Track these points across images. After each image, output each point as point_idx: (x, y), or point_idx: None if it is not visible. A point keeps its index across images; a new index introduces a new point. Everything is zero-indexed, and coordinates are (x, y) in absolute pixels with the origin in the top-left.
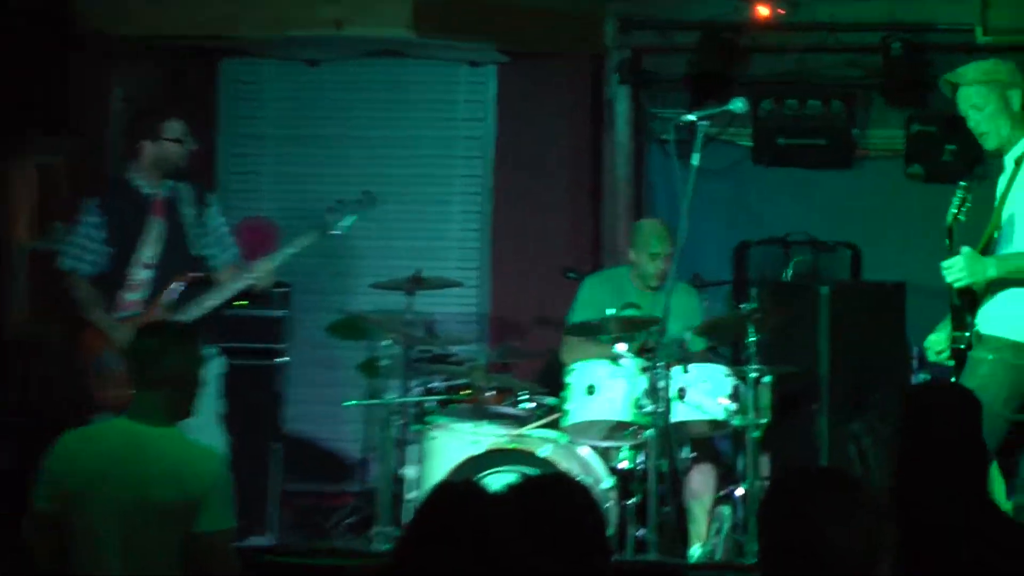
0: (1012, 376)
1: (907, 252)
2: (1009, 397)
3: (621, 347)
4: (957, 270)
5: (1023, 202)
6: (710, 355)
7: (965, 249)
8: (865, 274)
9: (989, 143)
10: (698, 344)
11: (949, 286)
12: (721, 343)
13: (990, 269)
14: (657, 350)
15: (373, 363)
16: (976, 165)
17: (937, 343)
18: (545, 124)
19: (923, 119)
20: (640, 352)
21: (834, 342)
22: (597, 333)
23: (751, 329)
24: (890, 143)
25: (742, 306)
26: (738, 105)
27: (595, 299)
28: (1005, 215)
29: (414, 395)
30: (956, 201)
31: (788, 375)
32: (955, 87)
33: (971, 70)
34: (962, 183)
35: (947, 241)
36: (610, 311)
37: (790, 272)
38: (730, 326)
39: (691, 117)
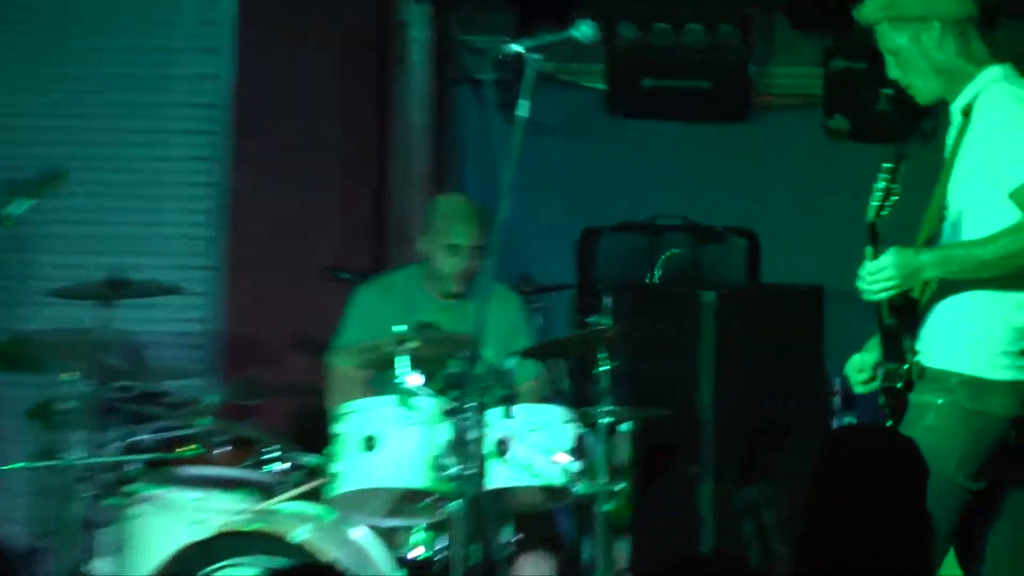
0: (968, 426)
1: (827, 242)
2: (965, 457)
3: (413, 381)
4: (883, 277)
5: (974, 169)
6: (544, 391)
7: (892, 248)
8: (766, 274)
9: (919, 98)
10: (526, 375)
11: (876, 304)
12: (560, 374)
13: (926, 268)
14: (466, 385)
15: (48, 407)
16: (923, 117)
17: (863, 367)
18: (308, 58)
19: (848, 52)
20: (442, 389)
21: (722, 371)
22: (378, 362)
23: (603, 354)
24: (802, 85)
25: (590, 320)
26: (584, 31)
27: (374, 313)
28: (953, 188)
29: (110, 454)
30: (879, 190)
31: (657, 420)
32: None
33: (869, 3)
34: (886, 164)
35: (868, 247)
36: (397, 329)
37: (659, 271)
38: (573, 349)
39: (517, 48)
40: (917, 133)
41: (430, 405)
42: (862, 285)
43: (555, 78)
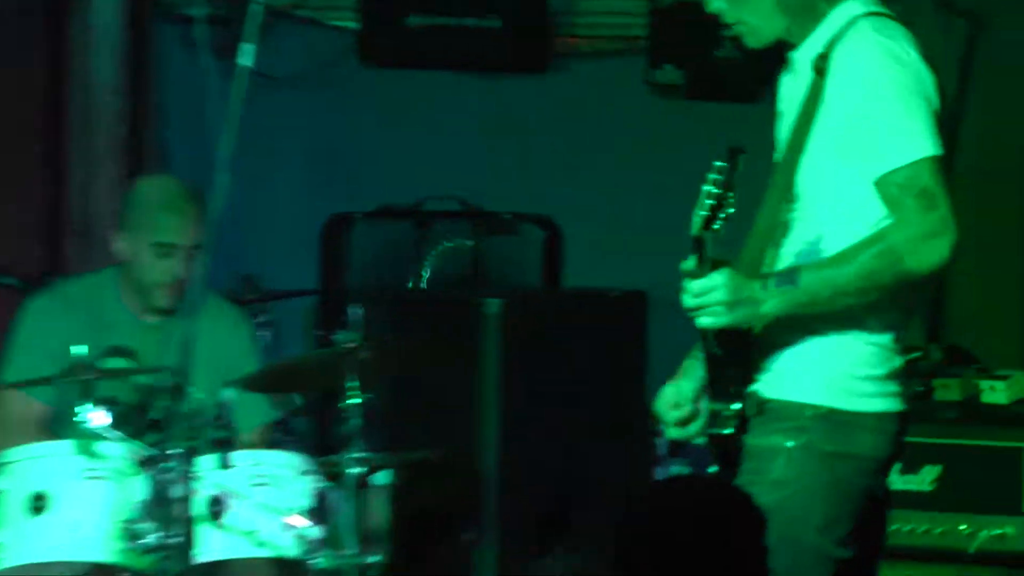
0: (831, 474)
1: (654, 234)
2: (832, 516)
3: (98, 421)
4: (709, 301)
5: (832, 146)
6: (273, 434)
7: (726, 268)
8: (571, 275)
9: (751, 39)
10: (250, 413)
11: (702, 330)
12: (295, 410)
13: (768, 300)
14: (169, 427)
15: None
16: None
17: (680, 401)
18: None
19: None
20: (137, 431)
21: (510, 404)
22: (56, 397)
23: (353, 382)
24: (621, 25)
25: (336, 337)
26: None
27: (52, 333)
28: (803, 171)
29: None
30: (709, 196)
31: (425, 469)
32: None
33: None
34: (717, 163)
35: (693, 259)
36: (78, 352)
37: (428, 272)
38: (313, 376)
39: None
40: (769, 90)
41: (120, 453)
42: (687, 302)
43: (290, 14)
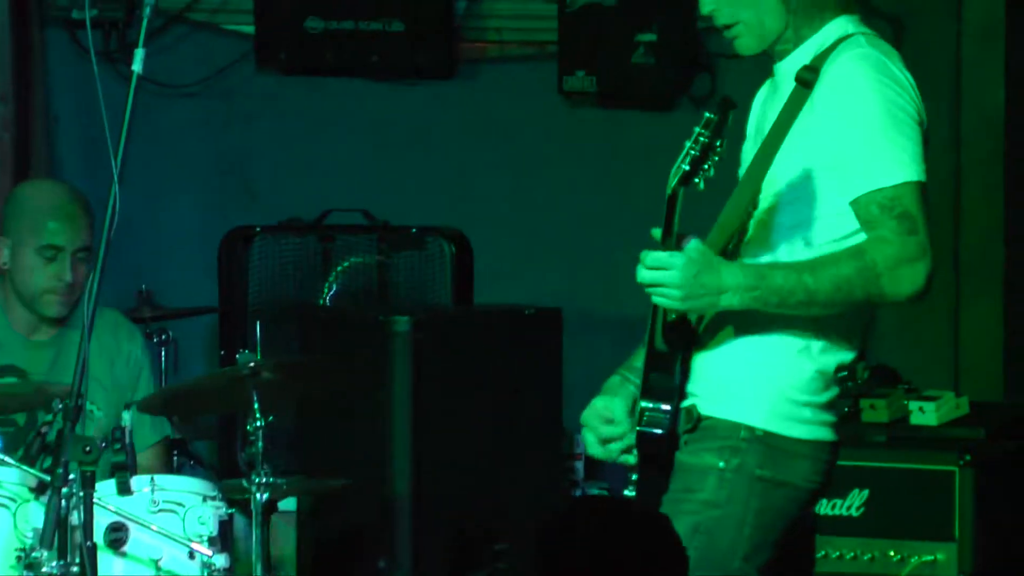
0: (763, 501)
1: (569, 247)
2: (758, 543)
3: None
4: (661, 280)
5: (810, 159)
6: (174, 456)
7: (692, 243)
8: (482, 291)
9: (744, 44)
10: (150, 436)
11: (652, 308)
12: (198, 433)
13: (730, 291)
14: (64, 450)
15: None
16: (696, 77)
17: (613, 418)
18: None
19: None
20: (28, 455)
21: (422, 426)
22: None
23: (256, 404)
24: (530, 29)
25: (239, 357)
26: None
27: None
28: (773, 177)
29: None
30: (693, 148)
31: (334, 495)
32: None
33: None
34: (708, 114)
35: (659, 229)
36: None
37: (333, 288)
38: (215, 397)
39: None
40: (687, 98)
41: (13, 479)
42: (641, 275)
43: (184, 19)
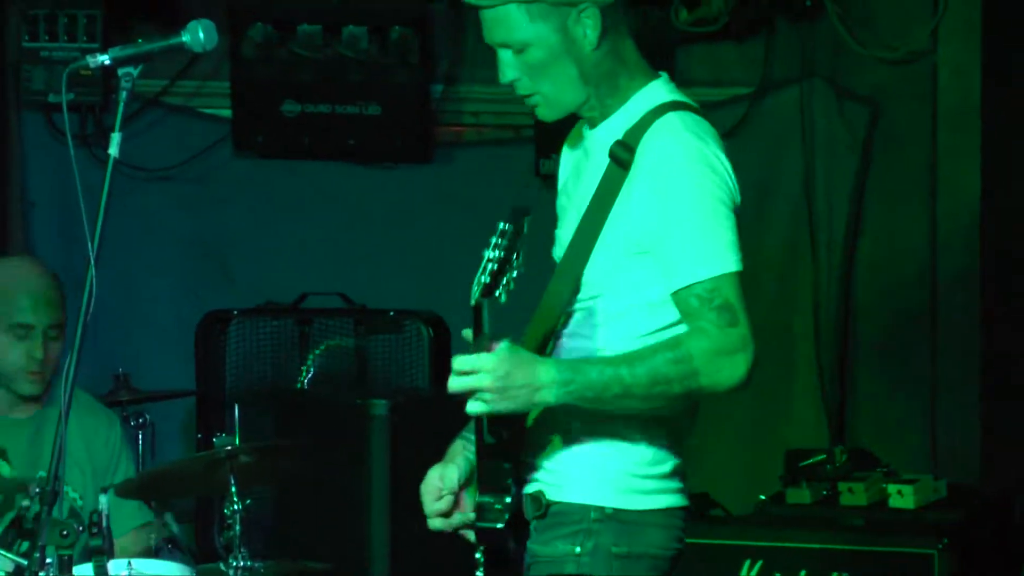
0: None
1: None
2: None
3: None
4: (474, 384)
5: (630, 245)
6: (153, 540)
7: (503, 344)
8: None
9: (546, 112)
10: (127, 519)
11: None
12: (179, 517)
13: (547, 387)
14: (39, 532)
15: None
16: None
17: (446, 488)
18: None
19: None
20: (5, 540)
21: (401, 510)
22: None
23: (234, 487)
24: (508, 112)
25: (216, 440)
26: (199, 36)
27: None
28: (593, 265)
29: None
30: (491, 260)
31: None
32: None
33: None
34: (502, 224)
35: (469, 334)
36: None
37: (311, 372)
38: (192, 481)
39: (104, 59)
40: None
41: None
42: (452, 384)
43: (161, 102)
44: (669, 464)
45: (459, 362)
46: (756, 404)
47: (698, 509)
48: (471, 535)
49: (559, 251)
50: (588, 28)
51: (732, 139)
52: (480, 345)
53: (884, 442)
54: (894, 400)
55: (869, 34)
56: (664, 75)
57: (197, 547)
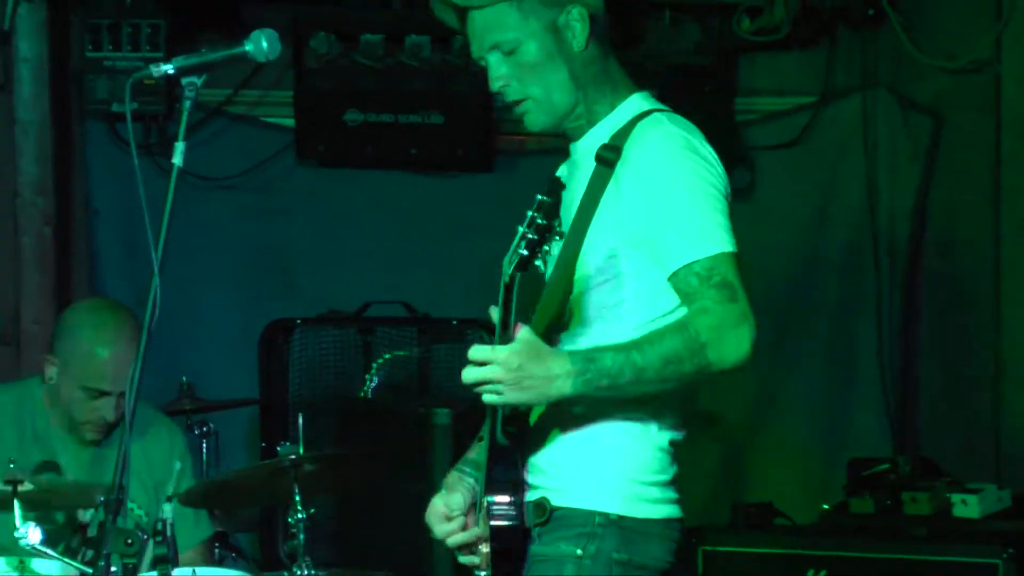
0: None
1: None
2: None
3: (31, 537)
4: (495, 379)
5: (618, 234)
6: (216, 549)
7: (520, 333)
8: None
9: (533, 120)
10: (191, 528)
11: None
12: (239, 526)
13: (559, 379)
14: (104, 540)
15: None
16: (740, 164)
17: (448, 514)
18: None
19: (636, 72)
20: (69, 548)
21: None
22: None
23: (298, 496)
24: None
25: (280, 449)
26: (263, 46)
27: None
28: (585, 257)
29: None
30: (529, 233)
31: None
32: (460, 11)
33: None
34: (540, 197)
35: (496, 313)
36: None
37: (374, 380)
38: (255, 490)
39: (167, 68)
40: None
41: (54, 571)
42: (465, 375)
43: (225, 111)
44: (670, 472)
45: (475, 352)
46: (819, 413)
47: (762, 518)
48: (475, 559)
49: (549, 262)
50: (576, 27)
51: (794, 148)
52: (506, 327)
53: (948, 451)
54: (958, 409)
55: (932, 43)
56: (647, 91)
57: (261, 556)
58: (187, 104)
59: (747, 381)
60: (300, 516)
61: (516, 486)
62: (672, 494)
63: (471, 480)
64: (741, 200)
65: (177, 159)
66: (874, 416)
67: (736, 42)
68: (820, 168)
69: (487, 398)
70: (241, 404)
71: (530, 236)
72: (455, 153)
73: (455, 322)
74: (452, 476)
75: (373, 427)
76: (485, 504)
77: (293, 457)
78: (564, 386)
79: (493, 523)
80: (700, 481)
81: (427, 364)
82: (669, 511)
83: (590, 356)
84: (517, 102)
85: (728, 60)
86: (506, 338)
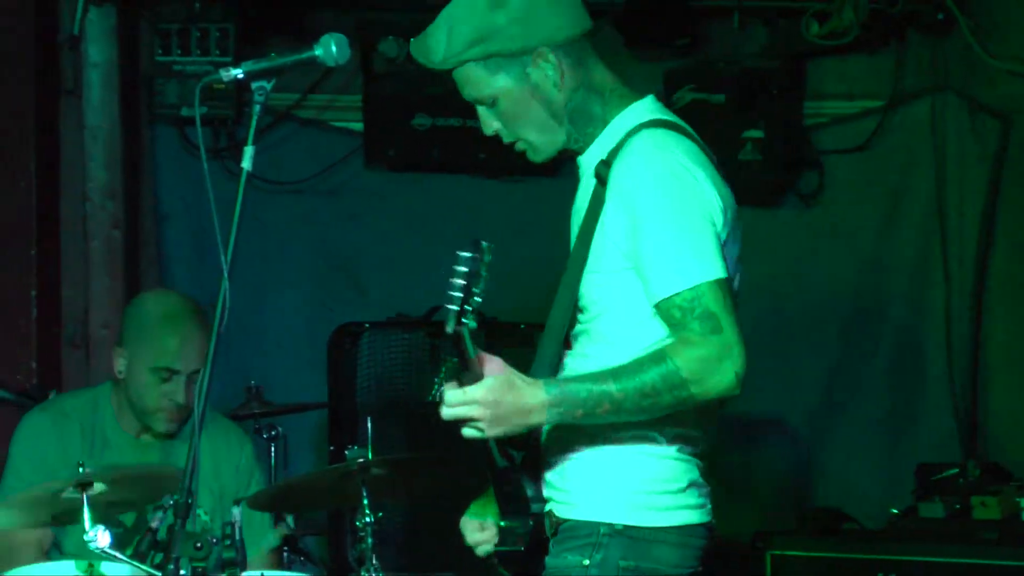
0: None
1: None
2: None
3: (100, 540)
4: (474, 417)
5: (613, 261)
6: (284, 553)
7: (495, 368)
8: None
9: (535, 154)
10: (259, 532)
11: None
12: (308, 529)
13: (537, 411)
14: (173, 544)
15: None
16: (803, 172)
17: (481, 523)
18: None
19: (700, 77)
20: (138, 552)
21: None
22: (58, 517)
23: (366, 500)
24: None
25: (348, 453)
26: (332, 50)
27: (45, 455)
28: (588, 281)
29: None
30: (456, 289)
31: None
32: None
33: (434, 45)
34: (462, 252)
35: (451, 362)
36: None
37: (441, 385)
38: (324, 494)
39: (236, 72)
40: (793, 194)
41: (124, 574)
42: (445, 414)
43: (293, 115)
44: (684, 479)
45: (450, 396)
46: (888, 419)
47: (831, 523)
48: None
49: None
50: (548, 70)
51: (863, 152)
52: (471, 369)
53: (1017, 455)
54: None
55: (1001, 46)
56: (651, 96)
57: (329, 560)
58: (256, 108)
59: (814, 385)
60: (368, 520)
61: (519, 508)
62: (688, 500)
63: None
64: (809, 205)
65: (246, 163)
66: (943, 420)
67: (804, 46)
68: (889, 172)
69: (468, 432)
70: (309, 408)
71: (457, 294)
72: (521, 157)
73: (523, 326)
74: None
75: (441, 431)
76: (499, 528)
77: (361, 461)
78: (540, 417)
79: (500, 548)
80: (768, 486)
81: None
82: (685, 517)
83: (565, 388)
84: (512, 143)
85: (796, 64)
86: (472, 375)
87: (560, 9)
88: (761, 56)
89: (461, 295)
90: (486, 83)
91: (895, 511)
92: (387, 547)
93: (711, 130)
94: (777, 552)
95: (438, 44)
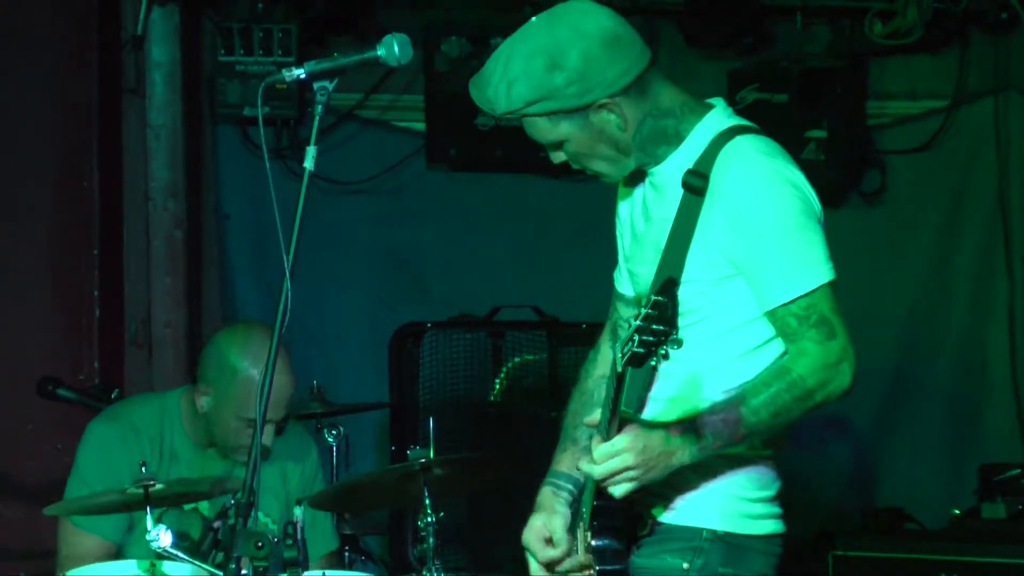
0: None
1: None
2: None
3: (163, 540)
4: (617, 467)
5: (716, 268)
6: (346, 552)
7: (627, 432)
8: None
9: (607, 181)
10: (321, 531)
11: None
12: (369, 528)
13: (680, 453)
14: (234, 543)
15: None
16: (865, 171)
17: (552, 539)
18: None
19: (763, 77)
20: (200, 551)
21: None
22: (111, 533)
23: (428, 499)
24: None
25: (410, 452)
26: (394, 50)
27: (112, 465)
28: (686, 291)
29: None
30: (643, 329)
31: None
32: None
33: (497, 98)
34: (655, 297)
35: (604, 412)
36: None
37: (503, 384)
38: (385, 493)
39: (299, 73)
40: (856, 194)
41: (186, 573)
42: (595, 472)
43: (356, 115)
44: (774, 488)
45: (599, 452)
46: (951, 419)
47: (893, 524)
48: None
49: (637, 285)
50: (612, 120)
51: (926, 152)
52: (612, 426)
53: None
54: None
55: None
56: (720, 102)
57: (391, 559)
58: (318, 108)
59: (877, 386)
60: (430, 519)
61: (619, 528)
62: (775, 509)
63: (566, 494)
64: (872, 204)
65: (308, 163)
66: (1006, 421)
67: (868, 45)
68: (952, 172)
69: (619, 490)
70: (371, 407)
71: (646, 338)
72: None
73: (584, 326)
74: (545, 493)
75: (503, 430)
76: (594, 548)
77: (423, 460)
78: (684, 456)
79: (601, 567)
80: (830, 486)
81: (556, 368)
82: (772, 527)
83: (699, 423)
84: (583, 171)
85: (859, 63)
86: (612, 427)
87: (617, 56)
88: (824, 56)
89: (651, 338)
90: (549, 131)
91: (957, 511)
92: (448, 546)
93: (774, 130)
94: (839, 552)
95: (497, 97)
